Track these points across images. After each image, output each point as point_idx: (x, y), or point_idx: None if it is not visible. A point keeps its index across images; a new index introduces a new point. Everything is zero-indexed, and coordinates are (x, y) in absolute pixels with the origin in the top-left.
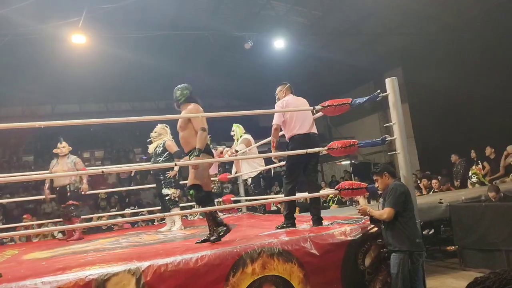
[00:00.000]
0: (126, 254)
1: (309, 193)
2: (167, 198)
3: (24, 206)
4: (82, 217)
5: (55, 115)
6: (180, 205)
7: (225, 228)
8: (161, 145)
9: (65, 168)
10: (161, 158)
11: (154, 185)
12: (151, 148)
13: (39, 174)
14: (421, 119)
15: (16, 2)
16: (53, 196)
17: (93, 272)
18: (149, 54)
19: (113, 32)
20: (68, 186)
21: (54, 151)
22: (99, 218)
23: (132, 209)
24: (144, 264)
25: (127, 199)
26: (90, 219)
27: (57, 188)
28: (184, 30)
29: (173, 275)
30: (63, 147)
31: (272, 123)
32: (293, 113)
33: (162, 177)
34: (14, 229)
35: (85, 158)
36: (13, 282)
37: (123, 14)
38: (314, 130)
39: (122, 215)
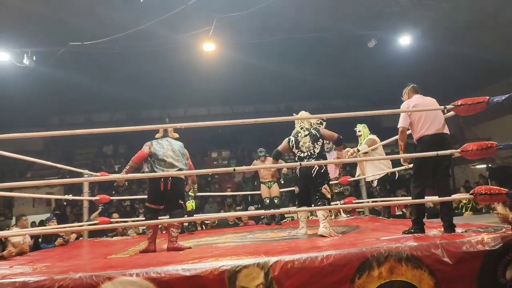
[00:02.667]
0: (254, 248)
1: (439, 198)
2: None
3: None
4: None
5: (187, 118)
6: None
7: None
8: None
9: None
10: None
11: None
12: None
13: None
14: None
15: (157, 17)
16: None
17: (226, 263)
18: (270, 58)
19: (238, 39)
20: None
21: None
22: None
23: (256, 207)
24: (272, 259)
25: (249, 197)
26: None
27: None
28: (305, 32)
29: (299, 272)
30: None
31: (398, 126)
32: (421, 113)
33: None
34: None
35: (213, 158)
36: (158, 267)
37: (248, 21)
38: (446, 130)
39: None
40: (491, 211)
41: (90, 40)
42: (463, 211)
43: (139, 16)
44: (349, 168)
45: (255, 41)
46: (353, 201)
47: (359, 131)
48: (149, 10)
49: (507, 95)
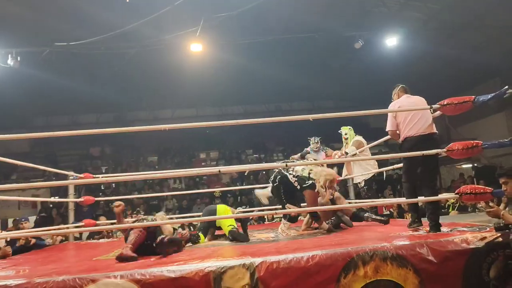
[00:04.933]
0: (240, 250)
1: (425, 197)
2: None
3: (149, 202)
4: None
5: (175, 119)
6: None
7: None
8: None
9: None
10: None
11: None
12: None
13: (162, 172)
14: None
15: (142, 17)
16: None
17: (212, 264)
18: (260, 58)
19: (226, 39)
20: None
21: None
22: None
23: (243, 208)
24: (258, 260)
25: (239, 198)
26: None
27: None
28: (295, 33)
29: (284, 272)
30: None
31: (386, 129)
32: (406, 114)
33: None
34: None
35: (202, 159)
36: (143, 268)
37: (237, 21)
38: (432, 130)
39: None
40: (476, 210)
41: (75, 41)
42: (450, 210)
43: (125, 16)
44: (337, 169)
45: (243, 41)
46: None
47: (346, 134)
48: (134, 10)
49: (492, 94)
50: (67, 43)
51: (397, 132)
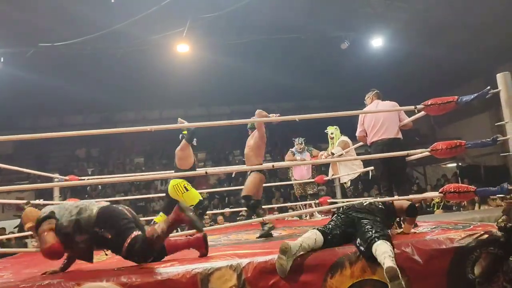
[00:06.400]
0: (228, 251)
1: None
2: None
3: (136, 204)
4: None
5: (163, 119)
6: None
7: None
8: None
9: None
10: None
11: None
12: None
13: (149, 174)
14: None
15: (129, 17)
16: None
17: (198, 266)
18: (247, 59)
19: (213, 40)
20: None
21: None
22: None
23: (231, 208)
24: (244, 261)
25: (226, 199)
26: None
27: None
28: (281, 34)
29: (271, 273)
30: None
31: (356, 134)
32: (370, 121)
33: None
34: None
35: None
36: (129, 271)
37: (224, 21)
38: (397, 135)
39: (222, 214)
40: (461, 208)
41: (61, 41)
42: (435, 209)
43: (111, 16)
44: (324, 169)
45: (229, 42)
46: (328, 201)
47: (332, 133)
48: (121, 10)
49: (475, 94)
50: (52, 43)
51: (365, 137)
